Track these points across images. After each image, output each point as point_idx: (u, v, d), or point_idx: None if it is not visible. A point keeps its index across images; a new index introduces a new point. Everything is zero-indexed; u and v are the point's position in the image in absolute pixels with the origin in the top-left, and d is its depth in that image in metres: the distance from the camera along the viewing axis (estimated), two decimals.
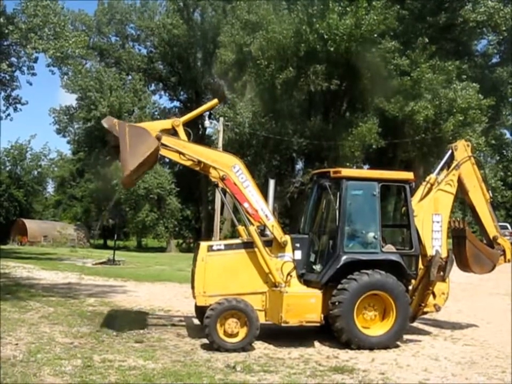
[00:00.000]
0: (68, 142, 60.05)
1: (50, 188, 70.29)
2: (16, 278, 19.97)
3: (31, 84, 31.17)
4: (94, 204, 57.48)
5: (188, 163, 10.76)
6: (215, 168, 10.55)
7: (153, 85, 59.60)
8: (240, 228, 11.05)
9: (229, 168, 10.55)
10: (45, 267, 24.34)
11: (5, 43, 28.91)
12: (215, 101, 12.03)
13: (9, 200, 54.24)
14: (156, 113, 56.77)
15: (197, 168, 10.84)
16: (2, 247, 40.79)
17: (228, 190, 10.76)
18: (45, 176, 60.67)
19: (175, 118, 10.94)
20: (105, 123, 10.42)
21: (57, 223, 57.31)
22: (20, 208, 55.56)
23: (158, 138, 10.12)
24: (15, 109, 31.18)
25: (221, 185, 10.67)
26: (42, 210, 65.45)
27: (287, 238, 10.76)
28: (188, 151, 10.53)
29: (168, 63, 56.60)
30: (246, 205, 10.57)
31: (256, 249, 10.45)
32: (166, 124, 10.88)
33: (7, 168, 56.52)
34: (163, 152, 10.46)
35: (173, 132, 10.71)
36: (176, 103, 60.71)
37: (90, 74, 50.13)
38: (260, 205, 10.62)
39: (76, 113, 51.68)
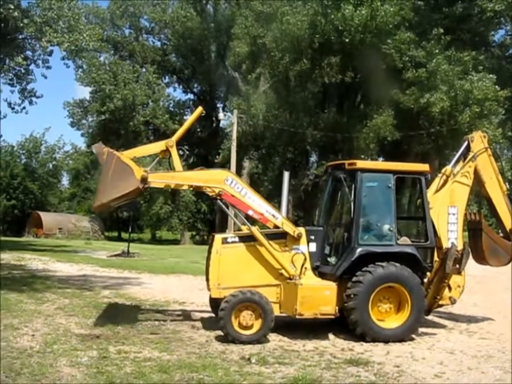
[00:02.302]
0: (82, 135, 60.29)
1: (65, 180, 70.87)
2: (32, 270, 20.14)
3: (46, 77, 31.56)
4: None
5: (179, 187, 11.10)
6: (209, 187, 10.60)
7: (167, 77, 59.69)
8: (244, 228, 11.10)
9: (222, 182, 10.51)
10: (60, 259, 24.51)
11: (20, 37, 29.07)
12: (200, 109, 11.86)
13: (25, 193, 54.71)
14: (170, 105, 56.85)
15: (189, 188, 11.12)
16: (18, 239, 41.21)
17: (228, 203, 10.81)
18: (59, 169, 61.07)
19: (168, 139, 10.96)
20: (94, 148, 10.45)
21: (72, 216, 57.73)
22: (35, 201, 56.02)
23: (144, 179, 9.83)
24: (30, 102, 31.34)
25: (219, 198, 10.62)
26: (57, 203, 65.92)
27: (302, 230, 10.76)
28: (178, 180, 10.64)
29: (181, 55, 56.55)
30: (250, 212, 10.61)
31: (266, 243, 10.40)
32: (160, 146, 10.89)
33: (22, 161, 57.02)
34: (154, 184, 10.44)
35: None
36: (190, 96, 60.79)
37: (104, 67, 50.24)
38: (264, 208, 10.62)
39: (90, 106, 51.83)
